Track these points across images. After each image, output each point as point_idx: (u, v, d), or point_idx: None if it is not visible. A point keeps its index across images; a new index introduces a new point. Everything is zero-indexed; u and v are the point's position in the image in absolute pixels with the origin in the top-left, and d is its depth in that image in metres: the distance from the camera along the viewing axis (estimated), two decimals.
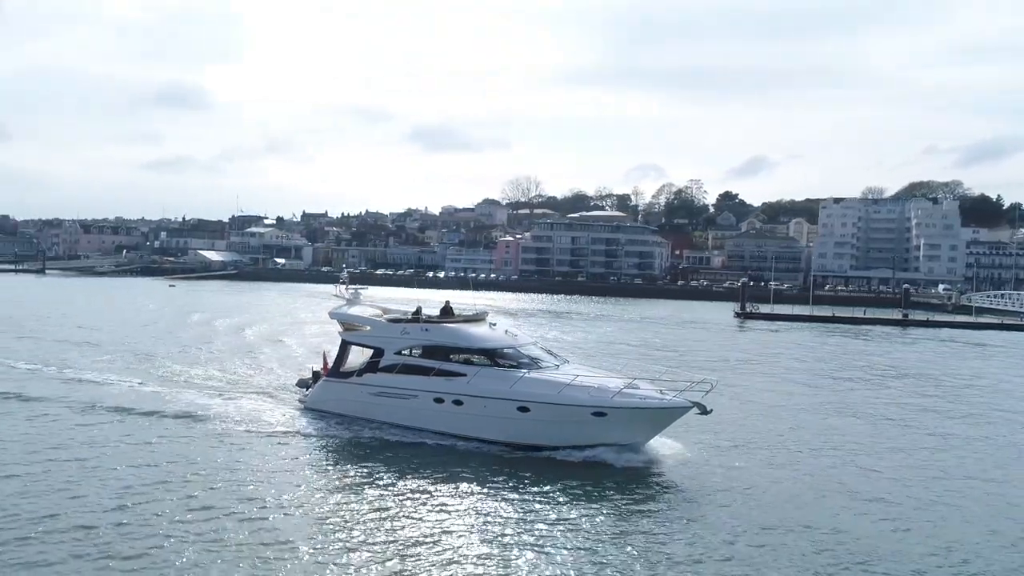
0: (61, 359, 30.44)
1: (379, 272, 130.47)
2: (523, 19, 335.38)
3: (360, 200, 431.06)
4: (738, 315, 73.92)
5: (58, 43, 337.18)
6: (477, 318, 22.33)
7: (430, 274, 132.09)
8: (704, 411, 17.78)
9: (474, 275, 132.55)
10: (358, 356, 22.42)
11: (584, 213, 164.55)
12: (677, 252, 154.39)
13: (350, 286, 24.89)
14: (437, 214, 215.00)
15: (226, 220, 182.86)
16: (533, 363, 19.95)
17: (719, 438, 20.47)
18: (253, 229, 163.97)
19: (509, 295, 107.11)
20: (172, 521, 13.26)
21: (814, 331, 61.94)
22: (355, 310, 23.63)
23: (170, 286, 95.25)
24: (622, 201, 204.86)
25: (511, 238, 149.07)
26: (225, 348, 36.97)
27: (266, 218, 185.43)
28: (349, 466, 17.50)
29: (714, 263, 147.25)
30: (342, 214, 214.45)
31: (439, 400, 19.83)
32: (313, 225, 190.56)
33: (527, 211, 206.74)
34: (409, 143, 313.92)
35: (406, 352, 20.95)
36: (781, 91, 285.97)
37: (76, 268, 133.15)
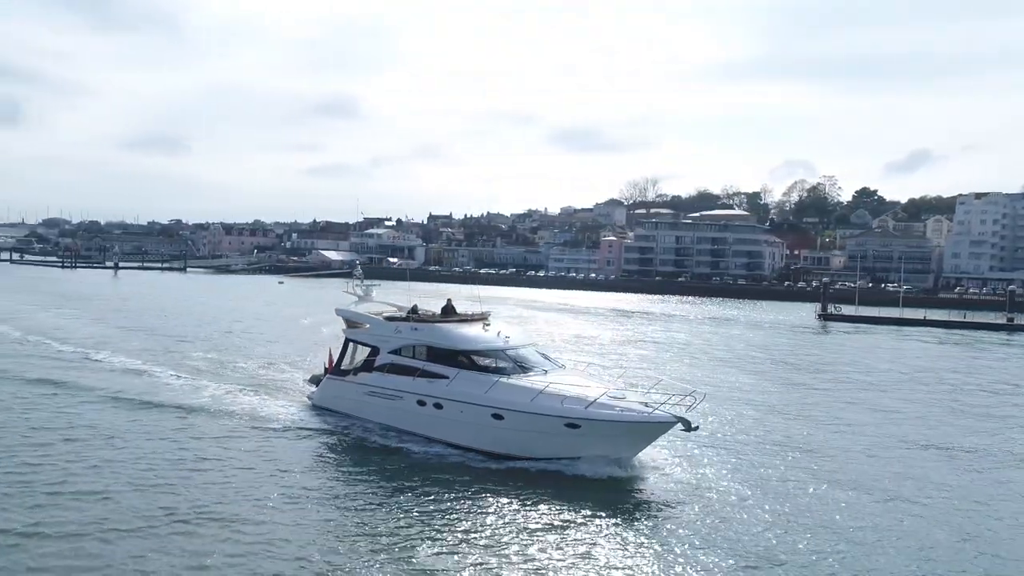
0: (99, 342, 34.60)
1: (483, 271, 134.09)
2: (668, 16, 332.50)
3: (491, 200, 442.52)
4: (820, 316, 70.05)
5: (233, 62, 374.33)
6: (474, 318, 21.40)
7: (530, 273, 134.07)
8: (689, 427, 16.16)
9: (573, 274, 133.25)
10: (362, 354, 22.07)
11: (704, 212, 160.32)
12: (795, 252, 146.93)
13: (365, 281, 24.58)
14: (556, 214, 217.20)
15: (356, 221, 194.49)
16: (520, 368, 18.86)
17: (721, 454, 18.91)
18: (372, 231, 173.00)
19: (601, 294, 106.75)
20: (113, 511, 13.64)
21: (895, 335, 57.71)
22: (362, 307, 23.26)
23: (279, 283, 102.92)
24: (752, 199, 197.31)
25: (614, 238, 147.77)
26: (281, 341, 39.73)
27: (388, 220, 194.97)
28: (315, 470, 17.07)
29: (833, 263, 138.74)
30: (465, 215, 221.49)
31: (421, 403, 19.13)
32: (431, 227, 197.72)
33: (643, 211, 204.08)
34: (550, 144, 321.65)
35: (399, 352, 20.36)
36: (955, 78, 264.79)
37: (213, 266, 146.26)
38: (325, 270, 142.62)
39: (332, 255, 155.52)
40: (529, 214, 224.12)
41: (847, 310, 70.54)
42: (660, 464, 17.73)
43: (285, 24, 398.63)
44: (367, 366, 21.17)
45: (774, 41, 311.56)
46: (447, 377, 18.83)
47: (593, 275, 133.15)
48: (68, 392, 23.66)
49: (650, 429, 16.71)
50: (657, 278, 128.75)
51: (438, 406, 18.75)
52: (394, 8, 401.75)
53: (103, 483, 15.36)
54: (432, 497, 15.27)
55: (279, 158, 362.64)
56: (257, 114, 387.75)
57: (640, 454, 17.51)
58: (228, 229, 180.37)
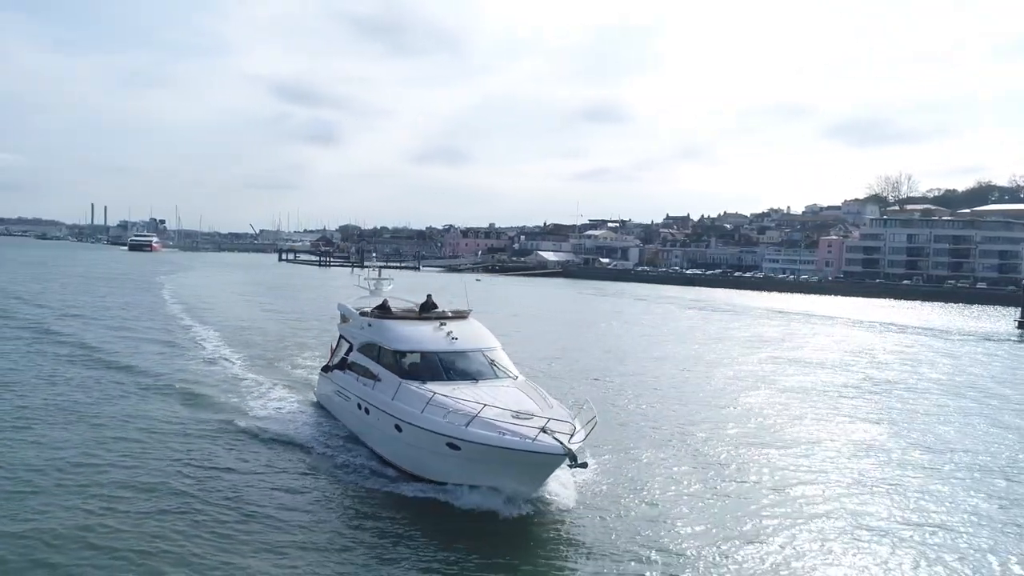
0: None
1: (689, 271, 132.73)
2: None
3: (752, 201, 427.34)
4: (1021, 325, 60.82)
5: (506, 76, 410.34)
6: (443, 315, 19.18)
7: (737, 274, 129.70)
8: (575, 463, 12.62)
9: (783, 276, 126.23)
10: (344, 350, 20.67)
11: (977, 208, 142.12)
12: None
13: (382, 274, 23.76)
14: (799, 213, 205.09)
15: (581, 224, 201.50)
16: (449, 372, 16.47)
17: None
18: (591, 232, 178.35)
19: (808, 297, 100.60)
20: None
21: None
22: (364, 302, 21.61)
23: (476, 280, 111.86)
24: None
25: (835, 237, 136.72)
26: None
27: (611, 222, 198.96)
28: (245, 473, 15.33)
29: None
30: (702, 216, 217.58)
31: (359, 406, 17.42)
32: (652, 228, 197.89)
33: (896, 208, 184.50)
34: (826, 138, 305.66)
35: (363, 349, 18.79)
36: None
37: (445, 265, 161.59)
38: (540, 270, 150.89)
39: (549, 256, 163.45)
40: (768, 213, 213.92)
41: None
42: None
43: (550, 35, 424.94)
44: (342, 363, 19.84)
45: None
46: (378, 379, 17.01)
47: (805, 276, 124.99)
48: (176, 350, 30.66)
49: (529, 459, 12.94)
50: (878, 280, 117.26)
51: (367, 411, 16.89)
52: (653, 8, 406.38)
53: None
54: (290, 512, 13.30)
55: (547, 165, 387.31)
56: (527, 123, 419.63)
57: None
58: (464, 232, 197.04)
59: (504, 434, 13.14)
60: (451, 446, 13.78)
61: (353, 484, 15.08)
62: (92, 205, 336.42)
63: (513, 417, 13.66)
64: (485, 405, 13.90)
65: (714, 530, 13.33)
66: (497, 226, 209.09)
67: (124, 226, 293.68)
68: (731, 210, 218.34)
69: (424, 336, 17.61)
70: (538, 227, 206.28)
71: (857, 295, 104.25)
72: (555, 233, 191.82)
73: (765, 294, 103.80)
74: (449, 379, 16.21)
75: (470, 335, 18.06)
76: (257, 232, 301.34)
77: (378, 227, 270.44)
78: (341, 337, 21.34)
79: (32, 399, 20.69)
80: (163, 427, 18.56)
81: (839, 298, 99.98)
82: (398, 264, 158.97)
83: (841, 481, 16.55)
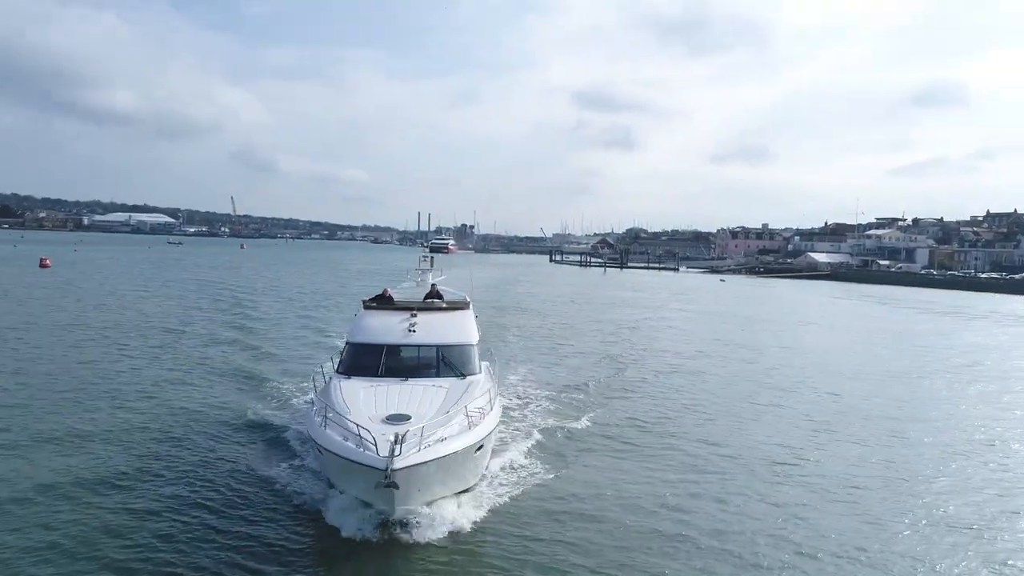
0: None
1: (983, 276, 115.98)
2: None
3: None
4: None
5: (814, 66, 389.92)
6: (434, 306, 18.45)
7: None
8: (386, 481, 10.17)
9: None
10: None
11: None
12: None
13: (434, 264, 22.61)
14: None
15: (865, 223, 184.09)
16: (394, 368, 15.12)
17: None
18: (874, 231, 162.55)
19: None
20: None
21: None
22: (409, 292, 20.97)
23: (720, 280, 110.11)
24: None
25: None
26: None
27: (902, 220, 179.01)
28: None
29: None
30: (1014, 210, 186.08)
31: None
32: (951, 226, 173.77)
33: None
34: None
35: None
36: None
37: (706, 267, 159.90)
38: (808, 271, 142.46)
39: (821, 257, 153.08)
40: None
41: None
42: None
43: (867, 18, 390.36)
44: None
45: None
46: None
47: None
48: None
49: (350, 469, 11.25)
50: None
51: None
52: None
53: None
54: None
55: (861, 158, 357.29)
56: (837, 115, 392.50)
57: None
58: (734, 233, 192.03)
59: (347, 439, 11.34)
60: (317, 448, 12.46)
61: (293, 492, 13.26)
62: (419, 213, 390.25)
63: (384, 420, 12.06)
64: (369, 404, 12.87)
65: None
66: (795, 227, 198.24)
67: (439, 231, 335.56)
68: None
69: (382, 328, 16.36)
70: (816, 228, 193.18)
71: None
72: (835, 233, 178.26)
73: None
74: (381, 375, 14.81)
75: (436, 329, 16.46)
76: (548, 236, 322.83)
77: (667, 229, 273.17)
78: None
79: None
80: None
81: None
82: (658, 265, 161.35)
83: None
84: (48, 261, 75.41)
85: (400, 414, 12.53)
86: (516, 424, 18.42)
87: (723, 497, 14.05)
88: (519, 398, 21.55)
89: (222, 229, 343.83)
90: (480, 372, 15.82)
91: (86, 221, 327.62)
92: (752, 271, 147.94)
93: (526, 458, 15.71)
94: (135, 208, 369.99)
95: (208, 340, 30.22)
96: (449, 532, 11.58)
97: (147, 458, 14.96)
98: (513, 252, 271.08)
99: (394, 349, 15.71)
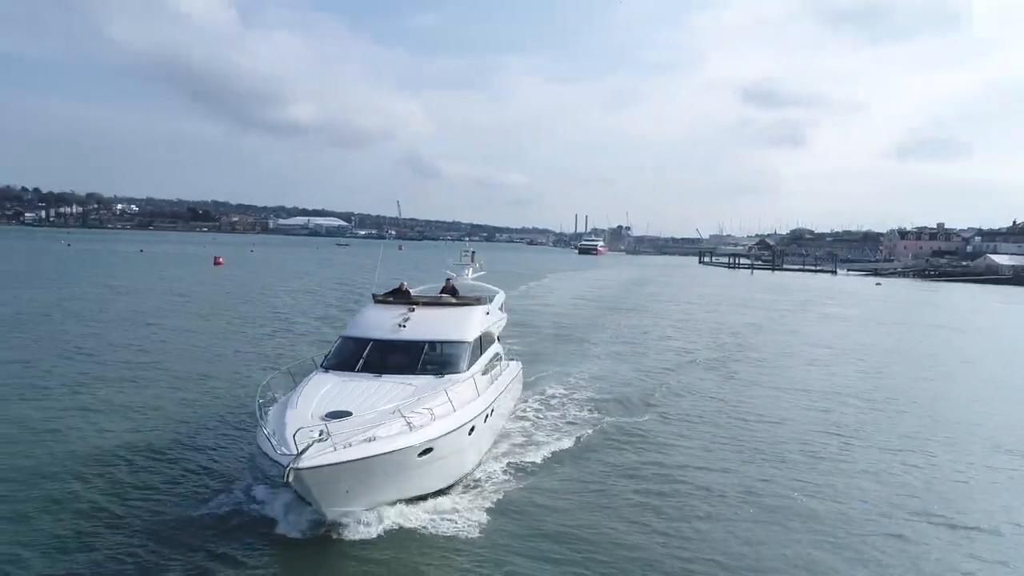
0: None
1: None
2: None
3: None
4: None
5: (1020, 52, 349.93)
6: (443, 301, 18.11)
7: None
8: (285, 480, 10.00)
9: None
10: None
11: None
12: None
13: (474, 258, 22.88)
14: None
15: None
16: (374, 363, 14.80)
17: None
18: None
19: None
20: None
21: None
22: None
23: (876, 284, 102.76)
24: None
25: None
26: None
27: None
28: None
29: None
30: None
31: None
32: None
33: None
34: None
35: None
36: None
37: (869, 269, 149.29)
38: (987, 275, 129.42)
39: (1003, 259, 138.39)
40: None
41: None
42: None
43: None
44: None
45: None
46: None
47: None
48: None
49: (265, 465, 11.84)
50: None
51: None
52: None
53: None
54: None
55: None
56: None
57: None
58: (903, 234, 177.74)
59: (273, 435, 11.11)
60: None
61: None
62: (576, 215, 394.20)
63: (323, 417, 11.68)
64: (323, 400, 12.67)
65: None
66: (978, 227, 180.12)
67: (595, 232, 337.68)
68: None
69: (374, 323, 16.21)
70: (1003, 228, 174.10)
71: None
72: None
73: None
74: (358, 370, 14.60)
75: (428, 325, 16.04)
76: (705, 237, 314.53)
77: (835, 230, 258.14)
78: None
79: None
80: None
81: None
82: (814, 268, 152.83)
83: None
84: (221, 260, 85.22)
85: (340, 411, 12.10)
86: (548, 421, 18.59)
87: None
88: (564, 392, 22.05)
89: (389, 232, 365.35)
90: (466, 371, 14.99)
91: (271, 224, 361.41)
92: (921, 274, 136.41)
93: (527, 460, 15.42)
94: (314, 212, 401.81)
95: (309, 331, 33.61)
96: (380, 536, 11.34)
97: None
98: (665, 254, 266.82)
99: (380, 344, 15.35)
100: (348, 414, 11.96)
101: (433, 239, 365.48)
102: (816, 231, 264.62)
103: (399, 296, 18.07)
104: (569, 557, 11.32)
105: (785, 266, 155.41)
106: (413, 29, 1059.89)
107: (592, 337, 34.75)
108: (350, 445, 10.83)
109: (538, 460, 15.65)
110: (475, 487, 13.80)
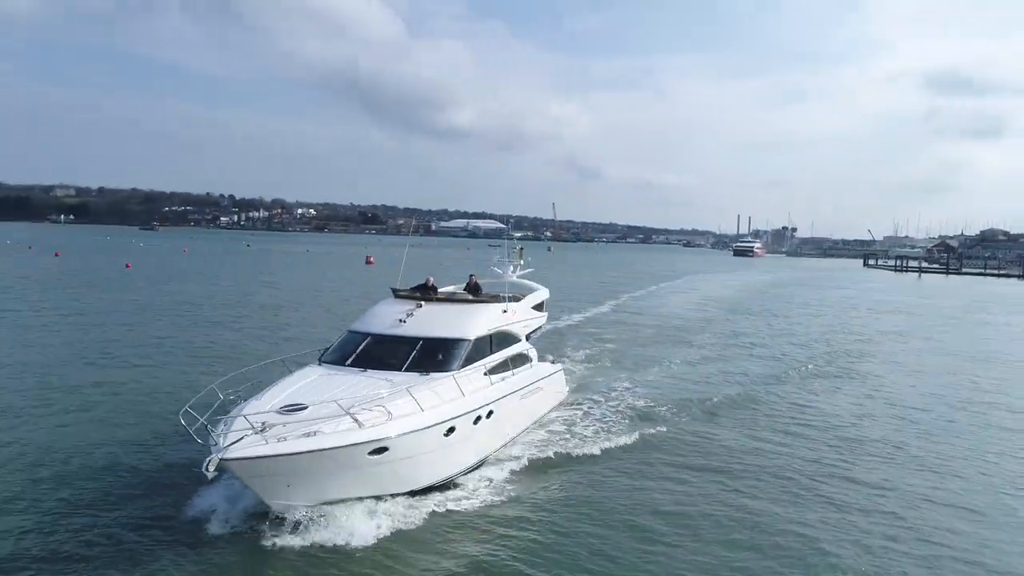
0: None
1: None
2: None
3: None
4: None
5: None
6: (457, 298, 18.13)
7: None
8: (204, 468, 10.13)
9: None
10: None
11: None
12: None
13: (523, 255, 22.44)
14: None
15: None
16: (368, 359, 14.72)
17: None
18: None
19: None
20: None
21: None
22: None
23: None
24: None
25: None
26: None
27: None
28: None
29: None
30: None
31: None
32: None
33: None
34: None
35: None
36: None
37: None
38: None
39: None
40: None
41: None
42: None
43: None
44: None
45: None
46: None
47: None
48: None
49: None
50: None
51: None
52: None
53: None
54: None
55: None
56: None
57: None
58: None
59: (224, 425, 11.36)
60: None
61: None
62: (738, 216, 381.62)
63: (279, 411, 11.78)
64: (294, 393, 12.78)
65: None
66: None
67: (756, 234, 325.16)
68: None
69: (379, 318, 16.23)
70: None
71: None
72: None
73: None
74: (348, 364, 14.64)
75: (430, 322, 15.84)
76: (878, 238, 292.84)
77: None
78: None
79: None
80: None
81: None
82: (996, 272, 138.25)
83: None
84: (372, 259, 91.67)
85: (296, 404, 12.07)
86: (585, 425, 18.04)
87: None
88: (618, 395, 21.41)
89: (545, 233, 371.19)
90: (456, 370, 14.56)
91: (433, 227, 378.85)
92: None
93: (519, 468, 14.72)
94: (474, 215, 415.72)
95: None
96: (378, 537, 11.29)
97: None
98: (830, 256, 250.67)
99: (378, 339, 15.30)
100: (303, 408, 11.92)
101: (588, 241, 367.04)
102: (1014, 232, 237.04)
103: (422, 292, 17.89)
104: (564, 562, 11.03)
105: (964, 270, 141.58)
106: (574, 32, 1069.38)
107: (697, 340, 33.98)
108: (285, 439, 10.78)
109: (551, 463, 15.12)
110: (473, 488, 13.55)
